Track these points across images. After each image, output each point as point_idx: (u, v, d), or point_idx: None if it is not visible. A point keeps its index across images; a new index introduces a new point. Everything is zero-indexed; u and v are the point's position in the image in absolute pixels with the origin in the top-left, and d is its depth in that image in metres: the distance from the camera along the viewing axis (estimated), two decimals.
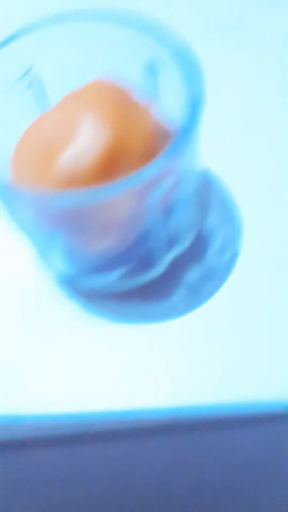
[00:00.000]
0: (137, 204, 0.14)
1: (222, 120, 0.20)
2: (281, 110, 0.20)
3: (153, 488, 0.18)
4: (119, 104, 0.14)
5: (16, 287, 0.18)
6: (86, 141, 0.13)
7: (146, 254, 0.17)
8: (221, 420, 0.15)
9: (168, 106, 0.16)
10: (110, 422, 0.15)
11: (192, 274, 0.17)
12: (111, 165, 0.14)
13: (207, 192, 0.18)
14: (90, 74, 0.16)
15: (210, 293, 0.17)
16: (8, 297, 0.17)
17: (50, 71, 0.17)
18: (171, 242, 0.17)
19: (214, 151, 0.19)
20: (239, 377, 0.15)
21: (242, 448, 0.17)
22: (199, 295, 0.17)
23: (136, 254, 0.16)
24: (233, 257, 0.17)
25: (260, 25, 0.22)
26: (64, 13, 0.16)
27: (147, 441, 0.16)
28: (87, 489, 0.18)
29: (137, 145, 0.14)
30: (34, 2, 0.22)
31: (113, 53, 0.16)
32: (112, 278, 0.17)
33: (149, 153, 0.14)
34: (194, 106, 0.14)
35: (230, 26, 0.22)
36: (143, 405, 0.15)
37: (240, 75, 0.21)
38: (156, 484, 0.18)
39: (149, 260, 0.17)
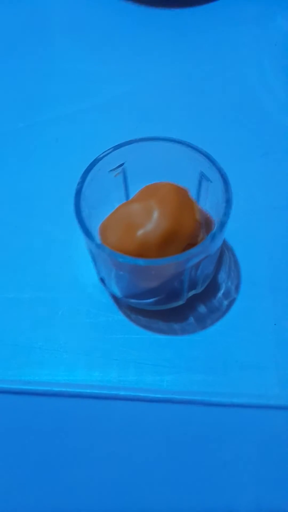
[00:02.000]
0: (177, 268, 0.23)
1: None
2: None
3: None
4: (178, 201, 0.23)
5: (88, 297, 0.27)
6: (154, 226, 0.23)
7: (174, 291, 0.26)
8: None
9: (210, 204, 0.25)
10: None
11: (202, 309, 0.26)
12: (168, 242, 0.23)
13: (221, 256, 0.28)
14: (159, 177, 0.25)
15: (211, 323, 0.26)
16: (81, 302, 0.27)
17: (133, 168, 0.26)
18: (192, 285, 0.26)
19: (231, 229, 0.27)
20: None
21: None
22: (204, 323, 0.26)
23: (168, 290, 0.26)
24: (232, 302, 0.27)
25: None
26: (145, 137, 0.25)
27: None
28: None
29: (186, 230, 0.23)
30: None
31: (179, 165, 0.25)
32: (149, 302, 0.26)
33: (194, 236, 0.23)
34: (226, 209, 0.23)
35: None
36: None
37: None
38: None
39: (176, 295, 0.26)
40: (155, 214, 0.23)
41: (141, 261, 0.21)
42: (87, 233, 0.22)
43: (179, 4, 0.39)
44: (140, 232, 0.23)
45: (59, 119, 0.34)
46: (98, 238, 0.24)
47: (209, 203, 0.26)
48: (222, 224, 0.22)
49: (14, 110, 0.35)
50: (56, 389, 0.25)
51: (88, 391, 0.25)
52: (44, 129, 0.34)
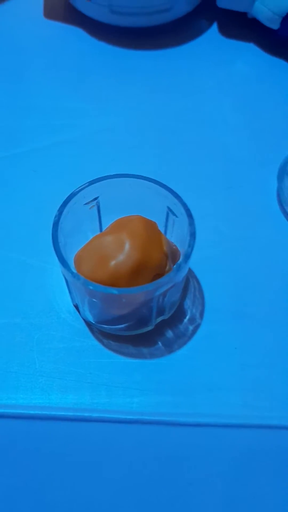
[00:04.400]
0: (147, 296, 0.24)
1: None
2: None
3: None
4: (147, 235, 0.25)
5: (62, 322, 0.28)
6: (125, 258, 0.24)
7: (144, 317, 0.27)
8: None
9: (176, 237, 0.27)
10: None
11: (169, 334, 0.28)
12: (138, 273, 0.24)
13: (187, 284, 0.30)
14: (130, 210, 0.27)
15: (178, 348, 0.28)
16: (56, 327, 0.28)
17: (106, 202, 0.28)
18: (160, 312, 0.28)
19: (196, 259, 0.30)
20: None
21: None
22: (171, 347, 0.28)
23: (137, 317, 0.27)
24: (196, 327, 0.28)
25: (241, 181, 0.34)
26: (118, 174, 0.27)
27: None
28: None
29: (155, 262, 0.25)
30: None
31: (148, 200, 0.27)
32: (120, 328, 0.28)
33: (162, 266, 0.25)
34: (191, 241, 0.25)
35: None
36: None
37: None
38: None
39: (145, 321, 0.28)
40: (127, 246, 0.25)
41: (114, 290, 0.23)
42: (64, 262, 0.24)
43: (151, 46, 0.42)
44: (112, 263, 0.24)
45: (36, 151, 0.36)
46: (73, 267, 0.26)
47: (175, 235, 0.28)
48: (187, 256, 0.24)
49: None
50: (32, 412, 0.26)
51: (62, 413, 0.26)
52: (21, 160, 0.35)
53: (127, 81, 0.40)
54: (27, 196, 0.34)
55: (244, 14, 0.41)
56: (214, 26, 0.43)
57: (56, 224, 0.25)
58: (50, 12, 0.44)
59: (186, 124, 0.37)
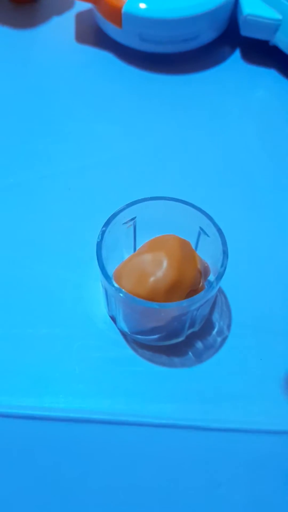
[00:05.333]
0: (182, 311, 0.27)
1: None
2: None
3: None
4: (182, 253, 0.28)
5: (99, 333, 0.30)
6: (163, 275, 0.26)
7: (176, 329, 0.30)
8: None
9: (206, 254, 0.30)
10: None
11: (199, 345, 0.30)
12: (174, 289, 0.27)
13: (215, 299, 0.32)
14: (164, 229, 0.29)
15: (207, 358, 0.30)
16: (93, 337, 0.30)
17: (142, 221, 0.30)
18: (191, 325, 0.30)
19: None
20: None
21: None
22: (201, 358, 0.30)
23: (170, 329, 0.29)
24: (224, 339, 0.31)
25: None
26: (154, 196, 0.29)
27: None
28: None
29: (189, 279, 0.27)
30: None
31: (181, 220, 0.29)
32: (153, 338, 0.30)
33: (196, 283, 0.27)
34: (224, 260, 0.27)
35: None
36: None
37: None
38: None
39: (177, 332, 0.30)
40: (164, 264, 0.27)
41: (155, 305, 0.25)
42: (107, 278, 0.26)
43: (177, 71, 0.44)
44: (151, 280, 0.27)
45: (68, 173, 0.38)
46: (113, 282, 0.28)
47: (206, 253, 0.30)
48: (220, 275, 0.27)
49: (26, 162, 0.39)
50: (71, 415, 0.28)
51: (100, 417, 0.28)
52: (56, 180, 0.38)
53: (154, 104, 0.42)
54: (63, 214, 0.36)
55: (266, 42, 0.44)
56: (237, 53, 0.45)
57: (100, 243, 0.27)
58: (81, 37, 0.46)
59: (211, 148, 0.40)
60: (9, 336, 0.31)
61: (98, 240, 0.27)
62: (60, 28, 0.47)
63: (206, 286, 0.28)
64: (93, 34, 0.47)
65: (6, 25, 0.47)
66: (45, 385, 0.29)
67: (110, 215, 0.28)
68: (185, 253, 0.28)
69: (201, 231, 0.30)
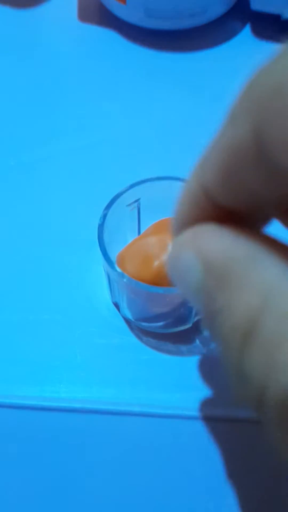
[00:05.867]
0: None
1: None
2: None
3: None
4: None
5: (102, 319, 0.29)
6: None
7: (181, 316, 0.28)
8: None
9: None
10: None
11: (206, 332, 0.29)
12: None
13: None
14: (168, 211, 0.28)
15: (215, 345, 0.29)
16: (96, 324, 0.29)
17: (146, 203, 0.28)
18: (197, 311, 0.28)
19: None
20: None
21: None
22: (208, 345, 0.29)
23: (176, 315, 0.28)
24: None
25: None
26: (159, 176, 0.28)
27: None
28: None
29: None
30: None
31: None
32: (159, 325, 0.29)
33: None
34: None
35: None
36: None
37: None
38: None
39: (184, 319, 0.28)
40: (169, 248, 0.25)
41: (160, 289, 0.24)
42: (109, 262, 0.25)
43: (185, 48, 0.42)
44: (156, 263, 0.25)
45: (73, 151, 0.37)
46: (116, 266, 0.27)
47: None
48: None
49: (26, 143, 0.37)
50: (74, 405, 0.27)
51: (103, 407, 0.27)
52: (59, 159, 0.36)
53: (160, 82, 0.41)
54: (64, 195, 0.34)
55: (277, 16, 0.42)
56: (247, 28, 0.43)
57: (101, 226, 0.26)
58: (84, 15, 0.45)
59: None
60: (8, 322, 0.29)
61: (100, 222, 0.26)
62: (63, 6, 0.46)
63: None
64: (97, 12, 0.45)
65: (8, 4, 0.46)
66: (46, 373, 0.28)
67: (112, 197, 0.27)
68: None
69: None
